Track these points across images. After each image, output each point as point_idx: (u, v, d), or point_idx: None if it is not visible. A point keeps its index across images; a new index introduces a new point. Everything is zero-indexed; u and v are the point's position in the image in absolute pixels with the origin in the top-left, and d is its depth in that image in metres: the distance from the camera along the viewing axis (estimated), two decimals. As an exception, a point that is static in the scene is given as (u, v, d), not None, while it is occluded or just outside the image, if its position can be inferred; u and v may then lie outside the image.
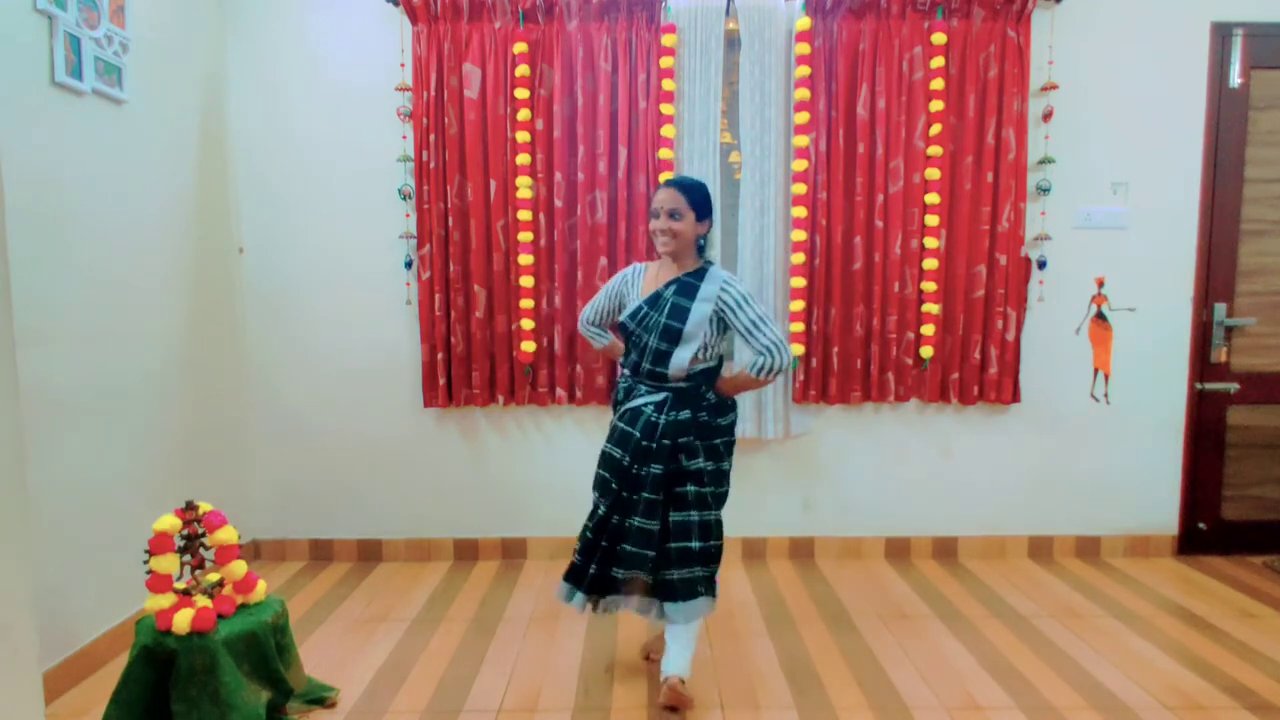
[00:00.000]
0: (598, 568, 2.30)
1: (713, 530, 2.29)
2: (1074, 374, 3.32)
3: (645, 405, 2.29)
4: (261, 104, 3.29)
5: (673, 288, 2.28)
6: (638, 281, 2.41)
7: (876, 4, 3.14)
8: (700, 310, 2.23)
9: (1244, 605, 2.97)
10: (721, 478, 2.33)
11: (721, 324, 2.27)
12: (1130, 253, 3.32)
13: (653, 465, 2.24)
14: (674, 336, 2.24)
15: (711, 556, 2.29)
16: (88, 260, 2.49)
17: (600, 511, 2.31)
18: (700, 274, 2.28)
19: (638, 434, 2.26)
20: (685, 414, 2.27)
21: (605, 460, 2.34)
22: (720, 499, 2.34)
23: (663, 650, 2.33)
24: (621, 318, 2.38)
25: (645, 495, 2.24)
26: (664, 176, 3.13)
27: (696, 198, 2.26)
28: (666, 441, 2.24)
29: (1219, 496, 3.45)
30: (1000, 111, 3.18)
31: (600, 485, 2.34)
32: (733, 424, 2.37)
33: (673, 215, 2.24)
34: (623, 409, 2.35)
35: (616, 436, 2.33)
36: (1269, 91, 3.29)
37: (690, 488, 2.25)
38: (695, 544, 2.24)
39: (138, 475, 2.70)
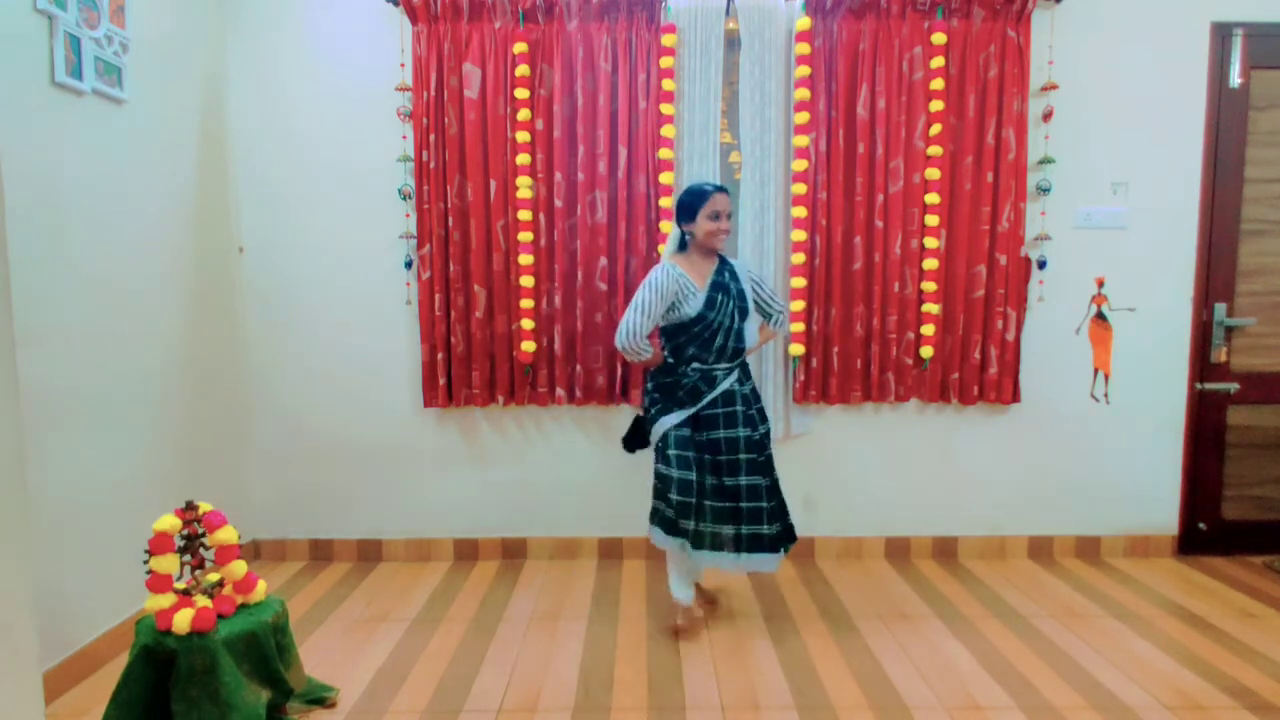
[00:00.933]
0: (769, 526, 2.65)
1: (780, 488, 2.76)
2: (1074, 374, 3.32)
3: (733, 384, 2.68)
4: (261, 104, 3.29)
5: (725, 273, 2.70)
6: (686, 280, 2.65)
7: (876, 4, 3.14)
8: (748, 290, 2.73)
9: (1244, 605, 2.97)
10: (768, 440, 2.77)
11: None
12: (1130, 253, 3.32)
13: (762, 426, 2.70)
14: (745, 314, 2.70)
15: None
16: (87, 260, 2.49)
17: (745, 485, 2.64)
18: (729, 263, 2.74)
19: (741, 408, 2.66)
20: (750, 382, 2.74)
21: (731, 445, 2.64)
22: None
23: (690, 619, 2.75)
24: (696, 310, 2.62)
25: (769, 453, 2.71)
26: (665, 176, 3.13)
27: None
28: (757, 405, 2.72)
29: (1219, 496, 3.45)
30: (1000, 111, 3.18)
31: (731, 468, 2.64)
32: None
33: (729, 216, 2.66)
34: (711, 396, 2.64)
35: (723, 420, 2.64)
36: (1269, 91, 3.29)
37: (767, 452, 2.71)
38: (773, 503, 2.70)
39: (137, 475, 2.70)
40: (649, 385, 2.76)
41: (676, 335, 2.66)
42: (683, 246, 2.72)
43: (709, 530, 2.64)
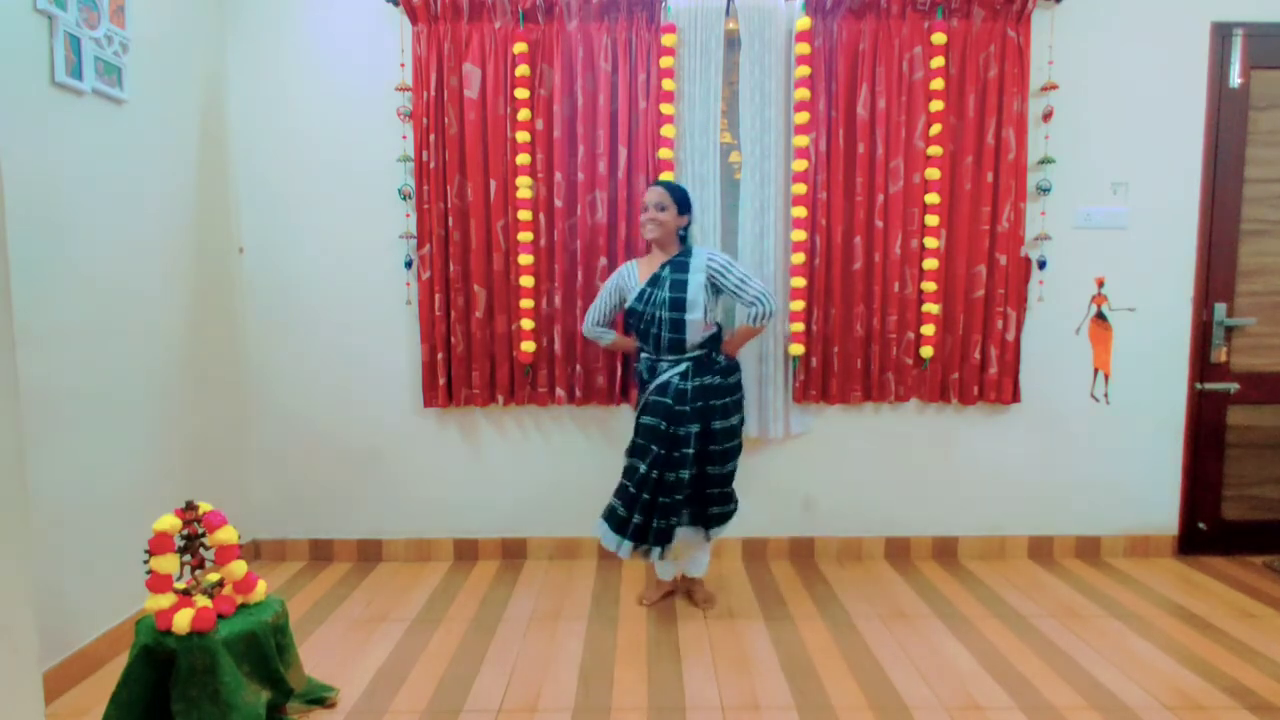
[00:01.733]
0: (642, 518, 2.69)
1: (735, 474, 2.84)
2: (1074, 374, 3.32)
3: (671, 377, 2.72)
4: (261, 104, 3.29)
5: (667, 267, 2.75)
6: (633, 275, 2.83)
7: (876, 4, 3.14)
8: (696, 280, 2.70)
9: (1244, 605, 2.97)
10: (739, 430, 2.82)
11: (715, 289, 2.74)
12: (1130, 253, 3.32)
13: (690, 426, 2.69)
14: (680, 305, 2.69)
15: (732, 486, 2.86)
16: (87, 260, 2.49)
17: (641, 470, 2.68)
18: (687, 253, 2.77)
19: (670, 401, 2.69)
20: (708, 379, 2.73)
21: (644, 430, 2.72)
22: (739, 449, 2.84)
23: (656, 599, 2.96)
24: (628, 305, 2.79)
25: (685, 451, 2.68)
26: (665, 176, 3.14)
27: (678, 195, 2.77)
28: (699, 404, 2.70)
29: (1219, 496, 3.45)
30: (1000, 111, 3.18)
31: (639, 451, 2.73)
32: (739, 382, 2.85)
33: (659, 208, 2.73)
34: (652, 385, 2.75)
35: (650, 407, 2.72)
36: (1269, 91, 3.29)
37: (722, 444, 2.74)
38: (729, 488, 2.82)
39: (138, 475, 2.70)
40: None
41: (626, 328, 2.93)
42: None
43: (610, 504, 2.79)
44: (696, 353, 2.73)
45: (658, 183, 2.82)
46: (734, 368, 2.82)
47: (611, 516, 2.75)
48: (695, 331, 2.70)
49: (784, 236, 3.24)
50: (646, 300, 2.74)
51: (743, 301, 2.72)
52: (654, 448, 2.68)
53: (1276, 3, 3.24)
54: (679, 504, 2.71)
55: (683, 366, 2.72)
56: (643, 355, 2.82)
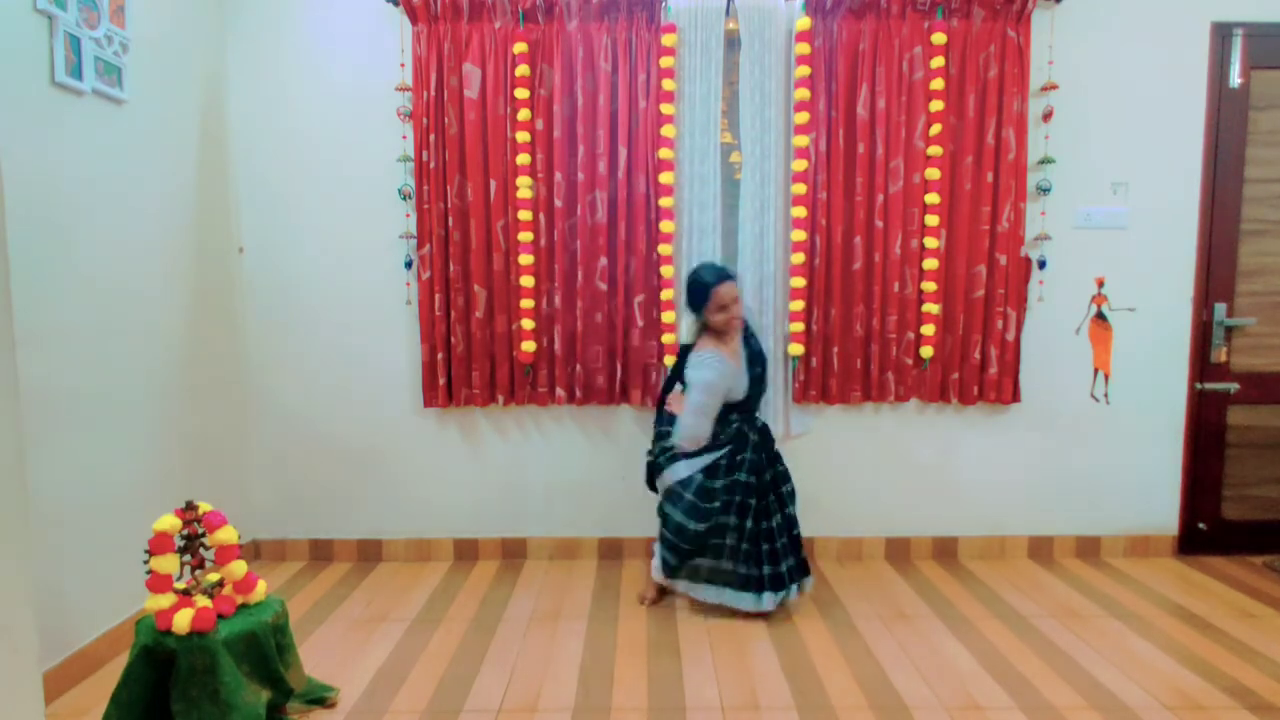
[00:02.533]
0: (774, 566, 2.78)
1: None
2: (1074, 374, 3.32)
3: (752, 435, 2.84)
4: (261, 104, 3.29)
5: (752, 339, 2.89)
6: (730, 366, 2.77)
7: (876, 4, 3.14)
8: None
9: (1244, 605, 2.97)
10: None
11: None
12: (1130, 253, 3.32)
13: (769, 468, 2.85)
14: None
15: None
16: (87, 260, 2.49)
17: (749, 525, 2.76)
18: (747, 324, 2.91)
19: (763, 453, 2.84)
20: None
21: (739, 488, 2.78)
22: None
23: (655, 597, 2.97)
24: (744, 392, 2.82)
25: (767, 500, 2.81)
26: (665, 176, 3.14)
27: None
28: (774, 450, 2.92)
29: (1219, 496, 3.45)
30: (1000, 111, 3.18)
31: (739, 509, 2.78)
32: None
33: (738, 301, 2.75)
34: (744, 441, 2.82)
35: (749, 465, 2.78)
36: (1269, 91, 3.29)
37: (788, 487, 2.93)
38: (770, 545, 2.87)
39: (138, 475, 2.70)
40: (667, 434, 2.86)
41: (725, 412, 2.82)
42: (705, 326, 2.80)
43: (720, 568, 2.80)
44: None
45: (728, 275, 2.74)
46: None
47: (749, 580, 2.78)
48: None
49: (784, 236, 3.24)
50: (760, 382, 2.90)
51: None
52: (751, 500, 2.79)
53: (1276, 3, 3.24)
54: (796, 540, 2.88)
55: (760, 423, 2.94)
56: (731, 425, 2.84)
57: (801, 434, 3.38)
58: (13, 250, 1.48)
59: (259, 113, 3.29)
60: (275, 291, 3.36)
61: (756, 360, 2.85)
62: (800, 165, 3.18)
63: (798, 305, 3.21)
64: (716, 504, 2.75)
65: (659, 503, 2.90)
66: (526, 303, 3.22)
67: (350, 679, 2.43)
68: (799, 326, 3.23)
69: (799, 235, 3.19)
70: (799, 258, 3.20)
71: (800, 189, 3.18)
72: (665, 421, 2.88)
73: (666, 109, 3.14)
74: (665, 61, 3.12)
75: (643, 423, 3.36)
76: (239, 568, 2.13)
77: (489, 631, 2.76)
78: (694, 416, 2.74)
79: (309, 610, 2.94)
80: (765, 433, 2.89)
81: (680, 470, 2.81)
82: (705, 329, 2.81)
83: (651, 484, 2.96)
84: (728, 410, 2.81)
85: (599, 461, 3.40)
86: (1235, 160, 3.30)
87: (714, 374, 2.71)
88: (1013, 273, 3.26)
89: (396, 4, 3.16)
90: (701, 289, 2.73)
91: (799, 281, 3.21)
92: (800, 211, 3.19)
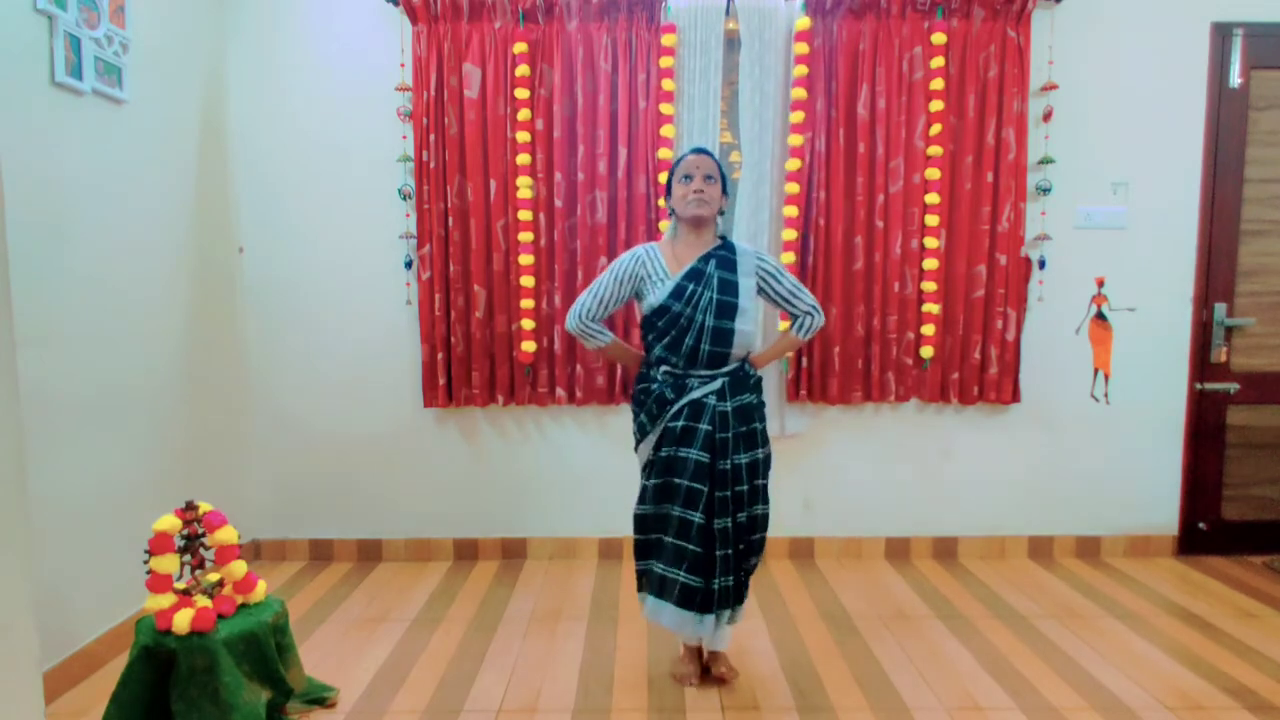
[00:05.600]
0: (722, 579, 2.19)
1: (767, 521, 2.31)
2: (1074, 374, 3.32)
3: (706, 396, 2.19)
4: (261, 104, 3.28)
5: (713, 262, 2.21)
6: (657, 262, 2.25)
7: (876, 4, 3.14)
8: (747, 284, 2.22)
9: (1244, 605, 2.97)
10: (770, 462, 2.32)
11: (761, 296, 2.30)
12: (1130, 253, 3.32)
13: (738, 456, 2.20)
14: (731, 312, 2.17)
15: (761, 548, 2.31)
16: (87, 260, 2.49)
17: (697, 520, 2.16)
18: (729, 248, 2.26)
19: (710, 427, 2.17)
20: (746, 398, 2.23)
21: (684, 466, 2.18)
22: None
23: (697, 673, 2.39)
24: (660, 300, 2.19)
25: (740, 489, 2.20)
26: (664, 176, 3.13)
27: (721, 168, 2.26)
28: (741, 429, 2.20)
29: (1219, 496, 3.45)
30: (1000, 111, 3.18)
31: (680, 494, 2.18)
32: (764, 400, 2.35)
33: (708, 179, 2.21)
34: (677, 405, 2.19)
35: (681, 437, 2.18)
36: (1269, 91, 3.29)
37: (758, 480, 2.25)
38: (757, 536, 2.27)
39: (138, 475, 2.70)
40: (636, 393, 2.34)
41: (644, 330, 2.28)
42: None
43: (658, 572, 2.23)
44: (732, 366, 2.24)
45: (701, 149, 2.27)
46: (761, 383, 2.33)
47: (673, 590, 2.17)
48: (742, 345, 2.21)
49: (778, 236, 3.24)
50: (689, 299, 2.17)
51: (796, 312, 2.31)
52: (700, 487, 2.17)
53: (1276, 3, 3.24)
54: (744, 553, 2.24)
55: (718, 384, 2.20)
56: (663, 368, 2.24)
57: (800, 433, 3.37)
58: (13, 250, 1.48)
59: (259, 113, 3.29)
60: (275, 291, 3.36)
61: (696, 277, 2.19)
62: (794, 165, 3.17)
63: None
64: (655, 482, 2.23)
65: None
66: (526, 303, 3.22)
67: (350, 679, 2.43)
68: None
69: (789, 234, 3.18)
70: (789, 257, 3.19)
71: (794, 188, 3.17)
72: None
73: (666, 109, 3.14)
74: (665, 61, 3.12)
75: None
76: (239, 568, 2.13)
77: (489, 631, 2.76)
78: (586, 290, 2.30)
79: (309, 610, 2.94)
80: (745, 413, 2.23)
81: (641, 451, 2.33)
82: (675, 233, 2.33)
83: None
84: (653, 338, 2.23)
85: (599, 461, 3.40)
86: (1235, 160, 3.31)
87: (627, 254, 2.29)
88: (1013, 273, 3.26)
89: (396, 4, 3.16)
90: (676, 161, 2.29)
91: (796, 281, 3.20)
92: (792, 211, 3.18)
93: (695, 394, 2.20)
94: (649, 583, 2.29)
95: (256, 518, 3.44)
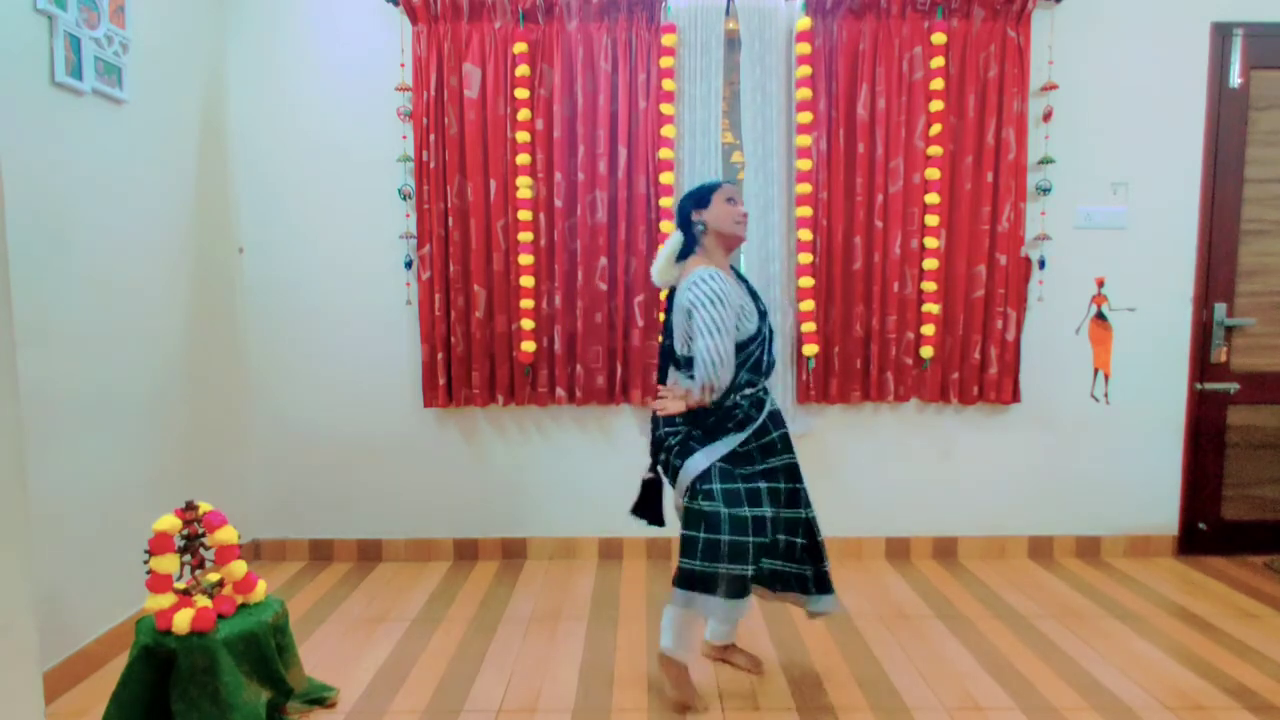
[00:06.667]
0: (774, 563, 2.35)
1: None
2: (1074, 374, 3.32)
3: (775, 402, 2.35)
4: (261, 104, 3.28)
5: (745, 284, 2.33)
6: (732, 285, 2.18)
7: (876, 4, 3.14)
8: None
9: (1244, 605, 2.97)
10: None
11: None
12: (1130, 253, 3.32)
13: (787, 455, 2.32)
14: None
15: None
16: (87, 260, 2.49)
17: (770, 515, 2.21)
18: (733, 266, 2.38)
19: (786, 429, 2.34)
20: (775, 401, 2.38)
21: (784, 471, 2.28)
22: None
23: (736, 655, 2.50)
24: (755, 325, 2.21)
25: (801, 485, 2.34)
26: (665, 176, 3.13)
27: None
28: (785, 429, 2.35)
29: (1219, 496, 3.45)
30: (1000, 111, 3.18)
31: (763, 497, 2.21)
32: None
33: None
34: (764, 416, 2.23)
35: (780, 444, 2.28)
36: (1269, 91, 3.29)
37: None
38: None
39: (138, 475, 2.70)
40: (676, 428, 2.24)
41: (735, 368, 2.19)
42: (687, 253, 2.27)
43: (782, 570, 2.33)
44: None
45: (730, 181, 2.41)
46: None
47: (735, 585, 2.14)
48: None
49: (789, 236, 3.24)
50: (764, 318, 2.26)
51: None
52: (798, 486, 2.32)
53: (1276, 3, 3.24)
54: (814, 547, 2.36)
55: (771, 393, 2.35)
56: (743, 394, 2.21)
57: (803, 434, 3.37)
58: (13, 250, 1.48)
59: (259, 113, 3.29)
60: (275, 291, 3.36)
61: (757, 299, 2.30)
62: (804, 165, 3.17)
63: (808, 305, 3.19)
64: (742, 486, 2.20)
65: (683, 523, 2.24)
66: (526, 303, 3.22)
67: (350, 679, 2.43)
68: (810, 326, 3.20)
69: (805, 235, 3.18)
70: (806, 257, 3.19)
71: (805, 189, 3.17)
72: (663, 424, 2.26)
73: (666, 109, 3.14)
74: (665, 61, 3.12)
75: (643, 423, 3.35)
76: (239, 568, 2.13)
77: (489, 632, 2.76)
78: (712, 337, 2.05)
79: (309, 610, 2.94)
80: (777, 418, 2.30)
81: (699, 462, 2.19)
82: (690, 253, 2.27)
83: (641, 508, 2.37)
84: (739, 364, 2.18)
85: (599, 461, 3.40)
86: (1235, 160, 3.31)
87: (719, 284, 2.10)
88: (1013, 273, 3.26)
89: (396, 4, 3.16)
90: (703, 190, 2.24)
91: (807, 281, 3.19)
92: (806, 211, 3.18)
93: (771, 405, 2.31)
94: (729, 586, 2.13)
95: (256, 518, 3.44)
